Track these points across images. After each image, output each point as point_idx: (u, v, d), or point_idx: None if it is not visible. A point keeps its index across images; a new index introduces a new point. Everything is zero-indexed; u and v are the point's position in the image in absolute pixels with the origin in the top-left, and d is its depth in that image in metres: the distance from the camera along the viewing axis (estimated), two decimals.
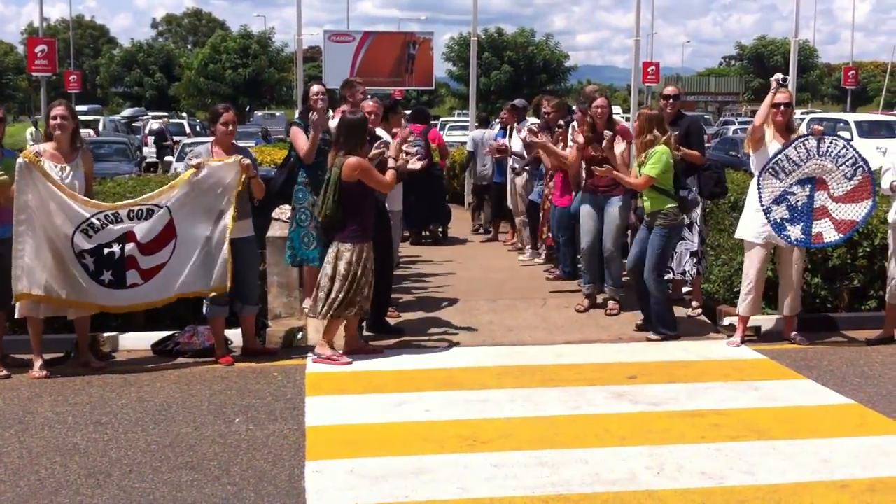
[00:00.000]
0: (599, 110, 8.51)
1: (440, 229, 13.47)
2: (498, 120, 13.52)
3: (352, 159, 7.04)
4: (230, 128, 7.31)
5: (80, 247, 6.90)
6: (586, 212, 8.69)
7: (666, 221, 7.74)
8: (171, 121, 39.12)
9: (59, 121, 7.08)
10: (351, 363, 7.14)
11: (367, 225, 7.21)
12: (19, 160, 6.79)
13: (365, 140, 7.24)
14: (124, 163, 20.85)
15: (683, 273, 8.60)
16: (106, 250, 6.96)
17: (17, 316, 7.05)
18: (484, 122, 15.26)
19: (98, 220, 6.92)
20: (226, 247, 7.11)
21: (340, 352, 7.26)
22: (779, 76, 7.99)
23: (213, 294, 7.19)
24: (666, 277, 8.75)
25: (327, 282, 7.13)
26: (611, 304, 8.59)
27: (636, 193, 8.20)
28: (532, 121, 11.57)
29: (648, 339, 7.79)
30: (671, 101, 8.60)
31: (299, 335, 7.91)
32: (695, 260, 8.56)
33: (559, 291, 9.37)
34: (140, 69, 69.56)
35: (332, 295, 7.09)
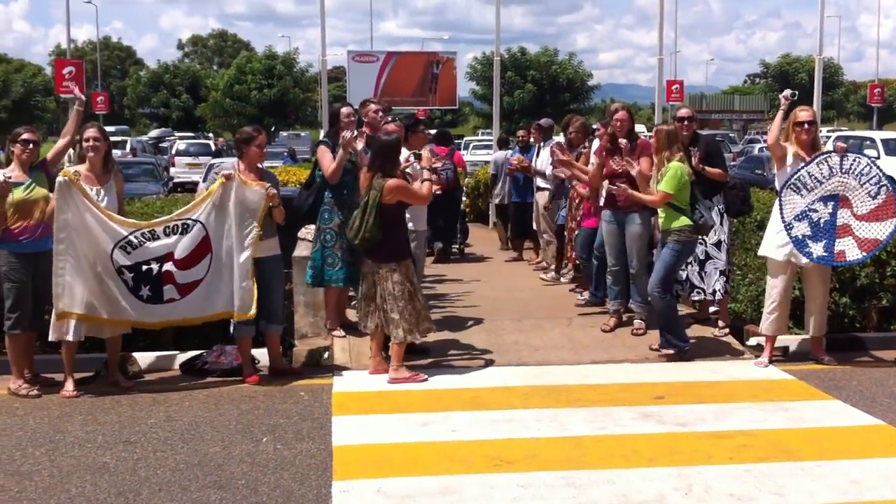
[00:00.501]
0: (619, 123, 8.52)
1: (456, 247, 13.66)
2: (517, 139, 13.57)
3: (391, 181, 7.10)
4: (264, 150, 7.48)
5: (119, 263, 7.00)
6: (609, 230, 8.69)
7: (680, 238, 7.73)
8: (198, 141, 39.45)
9: (91, 143, 7.21)
10: (427, 379, 7.21)
11: (405, 243, 7.33)
12: (59, 179, 6.91)
13: (398, 160, 7.31)
14: (152, 183, 21.04)
15: (714, 293, 8.56)
16: (144, 267, 7.05)
17: (50, 339, 7.11)
18: (503, 143, 15.43)
19: (135, 237, 7.02)
20: (250, 272, 7.19)
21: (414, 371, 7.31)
22: (787, 92, 7.97)
23: (240, 316, 7.25)
24: (696, 298, 8.74)
25: (374, 302, 7.19)
26: (637, 322, 8.57)
27: (656, 210, 8.20)
28: (557, 140, 11.61)
29: (660, 356, 7.78)
30: (685, 122, 8.54)
31: (325, 355, 7.95)
32: (724, 279, 8.52)
33: (585, 314, 9.35)
34: (166, 90, 70.22)
35: (394, 317, 7.11)
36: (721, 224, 8.49)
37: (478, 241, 14.96)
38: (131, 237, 7.02)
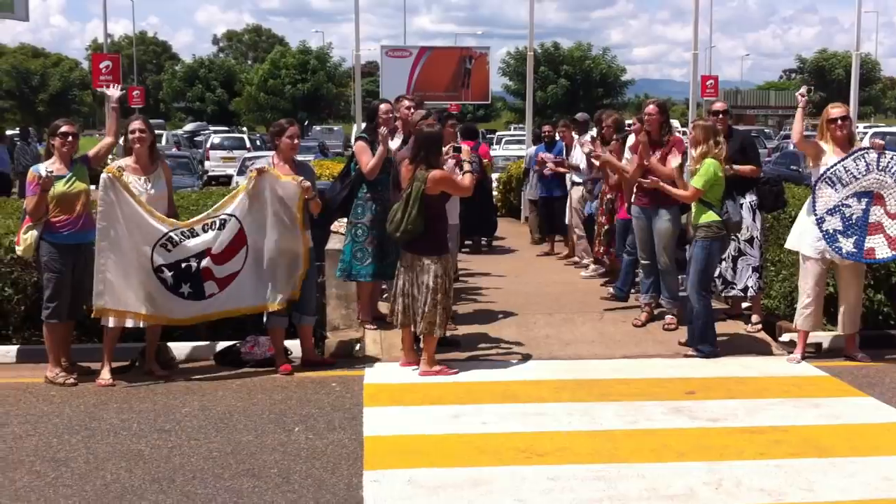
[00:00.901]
0: (647, 117, 8.50)
1: (485, 240, 13.87)
2: (543, 133, 13.59)
3: (436, 172, 7.13)
4: (296, 140, 7.51)
5: (158, 262, 7.09)
6: (640, 225, 8.68)
7: (708, 233, 7.70)
8: (232, 135, 39.73)
9: (137, 134, 7.32)
10: (457, 372, 7.24)
11: (445, 236, 7.34)
12: (103, 175, 7.02)
13: (441, 152, 7.33)
14: (187, 176, 21.27)
15: (745, 289, 8.52)
16: (184, 264, 7.15)
17: (110, 325, 7.18)
18: (537, 139, 15.38)
19: (176, 235, 7.11)
20: (303, 260, 7.29)
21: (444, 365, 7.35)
22: (802, 89, 8.00)
23: (285, 303, 7.33)
24: (730, 293, 8.68)
25: (410, 298, 7.21)
26: (668, 318, 8.54)
27: (686, 206, 8.17)
28: (590, 134, 11.61)
29: (686, 356, 7.74)
30: (720, 116, 8.50)
31: (357, 346, 8.00)
32: (756, 275, 8.48)
33: (615, 308, 9.33)
34: (201, 84, 70.75)
35: (426, 309, 7.13)
36: (754, 220, 8.45)
37: (509, 236, 14.98)
38: (172, 234, 7.11)
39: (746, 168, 8.32)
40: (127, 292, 7.07)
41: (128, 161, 7.34)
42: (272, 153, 7.72)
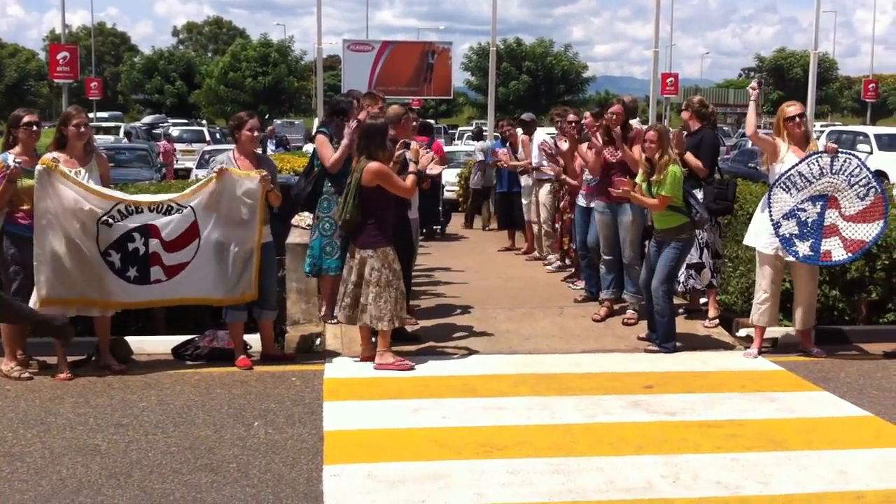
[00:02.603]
0: (614, 116, 8.55)
1: (437, 228, 14.84)
2: (503, 131, 13.71)
3: (372, 164, 7.11)
4: (256, 133, 7.45)
5: (106, 242, 7.03)
6: (604, 221, 8.74)
7: (681, 237, 7.78)
8: (191, 128, 39.40)
9: (82, 129, 7.23)
10: (413, 367, 7.22)
11: (385, 230, 7.26)
12: (38, 168, 6.88)
13: (386, 145, 7.30)
14: (145, 169, 21.03)
15: (710, 285, 8.64)
16: (130, 245, 7.09)
17: (38, 307, 7.08)
18: (478, 136, 17.04)
19: (119, 210, 7.05)
20: (255, 256, 7.22)
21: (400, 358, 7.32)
22: (753, 83, 8.24)
23: (240, 301, 7.28)
24: (682, 290, 8.78)
25: (352, 289, 7.20)
26: (629, 312, 8.60)
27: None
28: (545, 131, 11.71)
29: (646, 350, 7.81)
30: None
31: (317, 341, 7.97)
32: (691, 272, 8.55)
33: (579, 302, 9.38)
34: (161, 76, 70.06)
35: (367, 302, 7.14)
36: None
37: (470, 230, 15.05)
38: (114, 211, 7.04)
39: (696, 162, 8.39)
40: (69, 279, 6.97)
41: (59, 153, 7.20)
42: (232, 146, 7.65)
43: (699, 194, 8.41)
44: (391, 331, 7.30)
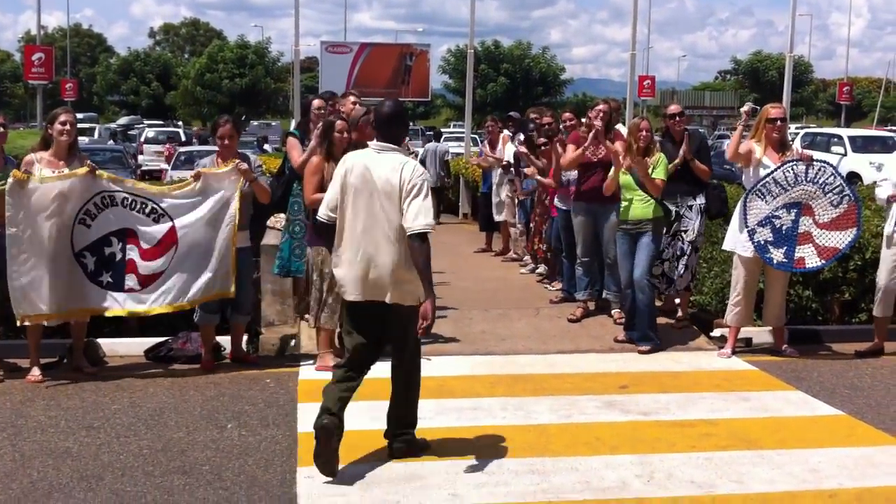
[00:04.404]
0: (601, 114, 8.52)
1: None
2: (486, 130, 13.69)
3: (313, 159, 7.21)
4: (226, 141, 7.33)
5: (81, 243, 6.97)
6: (582, 222, 8.74)
7: (658, 227, 7.88)
8: (167, 129, 39.19)
9: (68, 127, 7.15)
10: None
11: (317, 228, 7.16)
12: (9, 180, 6.79)
13: (326, 141, 7.23)
14: (120, 170, 20.85)
15: (687, 287, 8.71)
16: (107, 249, 7.02)
17: (19, 323, 7.03)
18: (437, 136, 17.90)
19: (94, 204, 6.98)
20: (231, 253, 7.16)
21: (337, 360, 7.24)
22: (747, 107, 8.16)
23: (214, 298, 7.22)
24: (670, 292, 8.80)
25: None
26: (617, 312, 8.59)
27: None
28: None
29: (640, 352, 7.81)
30: (677, 118, 8.61)
31: (292, 342, 7.94)
32: (690, 274, 8.60)
33: (555, 304, 9.40)
34: (136, 78, 69.53)
35: (311, 300, 7.24)
36: (700, 222, 8.52)
37: (447, 231, 15.03)
38: (89, 205, 6.97)
39: (703, 167, 8.42)
40: (43, 294, 6.89)
41: (43, 154, 7.15)
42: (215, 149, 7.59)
43: (700, 199, 8.43)
44: (330, 332, 7.27)
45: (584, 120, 8.94)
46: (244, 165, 7.18)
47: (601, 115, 8.48)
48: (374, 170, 5.16)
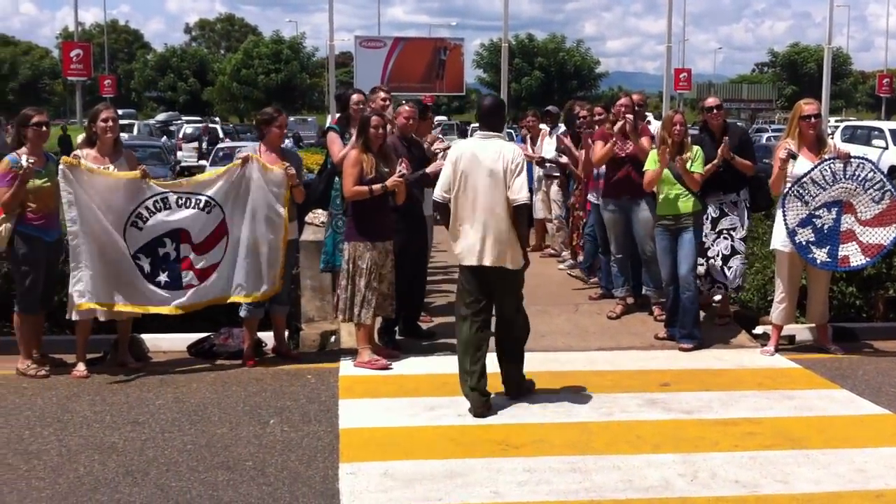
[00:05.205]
0: (623, 108, 8.49)
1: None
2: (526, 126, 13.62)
3: (352, 152, 7.20)
4: (284, 131, 7.49)
5: (135, 245, 7.04)
6: (614, 219, 8.68)
7: (699, 221, 7.84)
8: (205, 125, 39.50)
9: (110, 123, 7.22)
10: (390, 367, 7.19)
11: (359, 223, 7.19)
12: (60, 167, 6.89)
13: (363, 134, 7.21)
14: (159, 166, 21.04)
15: (738, 288, 8.58)
16: (161, 250, 7.10)
17: (73, 318, 7.13)
18: (463, 133, 17.24)
19: (146, 208, 7.04)
20: (281, 251, 7.21)
21: (377, 357, 7.27)
22: (784, 153, 7.62)
23: (264, 298, 7.28)
24: (717, 294, 8.69)
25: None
26: (657, 309, 8.48)
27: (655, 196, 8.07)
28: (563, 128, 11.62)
29: (682, 349, 7.75)
30: (714, 111, 8.27)
31: (332, 338, 7.97)
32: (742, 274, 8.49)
33: (593, 299, 9.35)
34: (173, 74, 70.21)
35: (338, 293, 7.28)
36: (748, 218, 8.38)
37: None
38: (141, 209, 7.04)
39: (746, 162, 8.23)
40: (104, 284, 6.99)
41: (89, 151, 7.22)
42: (247, 143, 7.65)
43: (744, 194, 8.26)
44: (369, 328, 7.30)
45: (610, 115, 8.86)
46: (292, 171, 7.23)
47: (624, 109, 8.43)
48: (480, 154, 6.11)
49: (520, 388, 6.52)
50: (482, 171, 6.06)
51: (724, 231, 8.21)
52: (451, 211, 6.20)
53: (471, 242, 6.14)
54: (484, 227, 6.08)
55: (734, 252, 8.26)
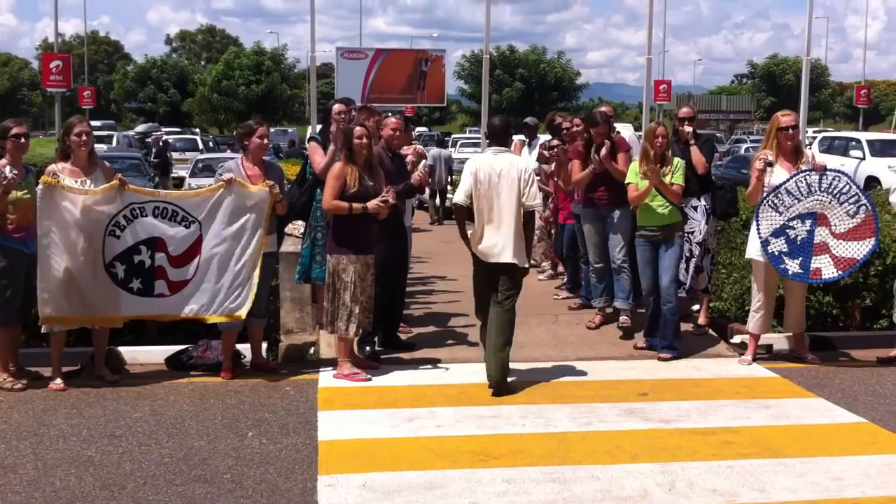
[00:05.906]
0: (598, 136, 8.49)
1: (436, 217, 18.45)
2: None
3: (336, 164, 7.22)
4: (265, 141, 7.44)
5: (112, 253, 7.04)
6: (591, 228, 8.72)
7: (682, 232, 7.90)
8: (184, 136, 39.34)
9: (84, 137, 7.19)
10: (369, 379, 7.17)
11: (344, 234, 7.18)
12: (39, 187, 6.87)
13: (347, 146, 7.22)
14: (138, 178, 20.92)
15: (706, 289, 8.69)
16: (136, 258, 7.09)
17: (43, 331, 7.11)
18: (441, 143, 19.21)
19: (124, 216, 7.05)
20: (256, 272, 7.20)
21: (356, 370, 7.26)
22: (761, 164, 7.74)
23: (236, 319, 7.26)
24: (682, 294, 8.75)
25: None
26: (623, 318, 8.53)
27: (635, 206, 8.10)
28: (544, 138, 11.66)
29: (660, 359, 7.78)
30: (686, 122, 8.57)
31: (311, 350, 7.95)
32: (706, 276, 8.58)
33: (572, 309, 9.37)
34: (154, 85, 69.96)
35: (328, 307, 7.24)
36: (707, 223, 8.51)
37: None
38: (119, 217, 7.04)
39: (697, 155, 8.37)
40: (72, 298, 6.96)
41: (63, 165, 7.19)
42: (226, 154, 7.64)
43: (705, 201, 8.40)
44: (350, 340, 7.29)
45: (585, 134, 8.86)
46: (276, 189, 7.22)
47: (599, 138, 8.46)
48: (496, 165, 6.94)
49: (507, 373, 7.04)
50: (499, 180, 6.87)
51: (685, 234, 8.30)
52: (475, 215, 6.98)
53: (492, 242, 6.87)
54: (503, 229, 6.85)
55: (692, 255, 8.43)
